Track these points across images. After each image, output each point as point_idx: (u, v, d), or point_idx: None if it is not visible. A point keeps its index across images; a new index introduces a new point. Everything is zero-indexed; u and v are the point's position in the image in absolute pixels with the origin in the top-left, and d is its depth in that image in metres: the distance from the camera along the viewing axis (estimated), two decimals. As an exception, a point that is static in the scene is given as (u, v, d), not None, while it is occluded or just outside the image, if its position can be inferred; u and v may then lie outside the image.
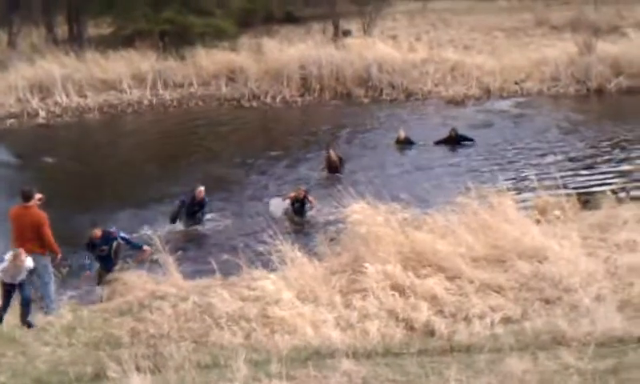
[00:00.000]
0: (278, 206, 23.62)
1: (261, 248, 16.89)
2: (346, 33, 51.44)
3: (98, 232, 17.63)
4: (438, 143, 30.10)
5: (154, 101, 41.28)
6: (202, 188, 22.61)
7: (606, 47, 40.98)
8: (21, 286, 14.34)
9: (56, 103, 40.28)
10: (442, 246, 15.84)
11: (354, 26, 53.26)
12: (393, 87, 40.86)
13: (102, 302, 16.52)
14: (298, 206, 22.97)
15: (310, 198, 23.16)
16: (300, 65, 41.75)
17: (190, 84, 42.41)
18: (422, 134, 31.56)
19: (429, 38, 51.09)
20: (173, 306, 14.53)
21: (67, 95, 40.62)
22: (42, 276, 15.18)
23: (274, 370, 10.19)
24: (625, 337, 11.21)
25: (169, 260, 16.64)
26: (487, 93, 39.92)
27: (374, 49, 43.82)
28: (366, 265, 15.19)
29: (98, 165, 31.29)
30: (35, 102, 40.05)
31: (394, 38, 49.84)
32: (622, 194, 20.75)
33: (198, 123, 37.93)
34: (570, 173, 25.17)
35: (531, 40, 49.26)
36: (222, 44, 46.19)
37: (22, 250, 14.10)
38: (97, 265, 17.93)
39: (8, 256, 14.20)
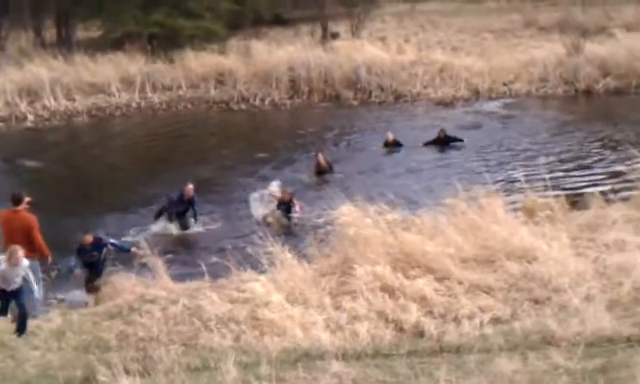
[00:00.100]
0: (258, 207, 23.67)
1: (250, 250, 16.86)
2: (335, 35, 51.50)
3: (89, 238, 17.54)
4: (426, 144, 30.15)
5: (143, 104, 41.22)
6: (190, 186, 22.53)
7: (594, 48, 41.16)
8: (17, 295, 14.21)
9: (44, 107, 40.16)
10: (431, 246, 15.84)
11: (342, 27, 53.36)
12: (382, 89, 40.91)
13: (86, 306, 16.47)
14: (284, 209, 22.90)
15: (296, 201, 23.10)
16: (289, 67, 41.77)
17: (179, 87, 42.34)
18: (411, 136, 31.60)
19: (417, 39, 51.16)
20: (162, 309, 14.51)
21: (55, 99, 40.50)
22: (30, 280, 15.12)
23: (264, 372, 10.19)
24: (614, 336, 11.24)
25: (158, 263, 16.61)
26: (476, 94, 40.03)
27: (362, 51, 43.90)
28: (355, 266, 15.19)
29: (86, 168, 31.28)
30: (23, 106, 39.94)
31: (382, 39, 49.88)
32: (611, 195, 20.73)
33: (187, 126, 37.90)
34: (558, 173, 25.21)
35: (519, 41, 49.43)
36: (211, 47, 46.16)
37: (17, 247, 13.98)
38: (84, 269, 17.82)
39: (3, 257, 14.08)
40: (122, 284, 16.67)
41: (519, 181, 21.35)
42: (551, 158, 27.63)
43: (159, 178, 27.72)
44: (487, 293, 14.45)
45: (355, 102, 40.26)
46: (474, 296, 14.34)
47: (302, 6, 59.29)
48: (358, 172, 27.40)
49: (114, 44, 46.58)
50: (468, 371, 10.07)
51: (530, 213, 18.41)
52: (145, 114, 40.48)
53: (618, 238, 16.33)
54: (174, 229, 22.37)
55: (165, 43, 45.26)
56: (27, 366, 12.09)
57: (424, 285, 14.67)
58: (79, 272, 17.38)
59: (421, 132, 32.42)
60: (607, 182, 23.99)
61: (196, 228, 22.57)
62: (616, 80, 39.23)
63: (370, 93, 40.85)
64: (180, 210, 22.53)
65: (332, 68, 41.36)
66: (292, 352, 11.97)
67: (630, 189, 21.22)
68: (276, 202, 23.29)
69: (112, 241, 17.93)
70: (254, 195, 25.03)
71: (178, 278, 16.90)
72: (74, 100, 40.85)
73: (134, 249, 17.72)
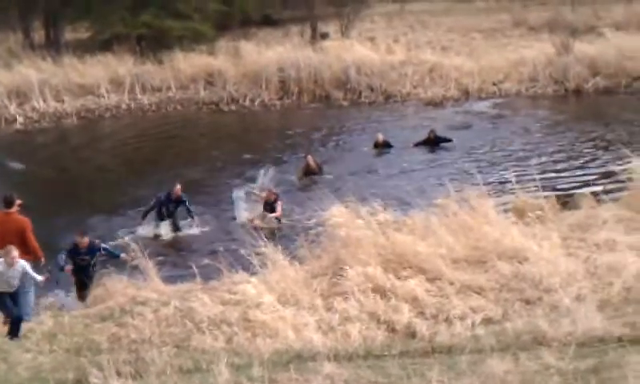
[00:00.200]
0: (242, 209, 23.70)
1: (241, 251, 16.86)
2: (324, 35, 51.52)
3: (85, 241, 17.29)
4: (417, 145, 30.17)
5: (132, 105, 41.15)
6: (179, 186, 22.58)
7: (583, 47, 41.28)
8: (15, 298, 14.16)
9: (33, 109, 40.05)
10: (422, 247, 15.86)
11: (331, 28, 53.38)
12: (371, 89, 40.92)
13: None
14: (269, 209, 22.86)
15: (280, 202, 23.09)
16: (278, 68, 41.75)
17: (168, 88, 42.26)
18: (402, 136, 31.62)
19: (407, 39, 51.21)
20: (154, 311, 14.49)
21: (45, 100, 40.40)
22: (23, 283, 15.05)
23: (256, 373, 10.18)
24: (605, 336, 11.25)
25: (149, 265, 16.57)
26: (466, 94, 40.08)
27: (352, 51, 43.91)
28: (347, 267, 15.20)
29: (76, 170, 31.20)
30: (13, 108, 39.81)
31: (372, 39, 49.87)
32: (602, 195, 20.77)
33: (177, 127, 37.89)
34: (549, 173, 25.27)
35: (509, 41, 49.52)
36: (200, 47, 46.12)
37: (12, 247, 13.93)
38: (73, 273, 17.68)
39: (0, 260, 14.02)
40: (113, 286, 16.61)
41: (510, 181, 21.37)
42: (542, 158, 27.68)
43: (149, 179, 27.67)
44: (479, 293, 14.48)
45: (345, 103, 40.26)
46: (465, 296, 14.36)
47: (291, 7, 59.29)
48: (349, 173, 27.40)
49: (102, 45, 46.44)
50: (460, 372, 10.07)
51: (520, 213, 18.42)
52: (134, 115, 40.42)
53: (609, 237, 16.37)
54: (163, 229, 22.37)
55: (153, 44, 45.24)
56: (19, 368, 12.03)
57: (415, 285, 14.69)
58: (69, 268, 17.16)
59: (411, 132, 32.46)
60: (598, 181, 24.07)
61: (187, 230, 22.56)
62: (605, 79, 39.36)
63: (360, 93, 40.85)
64: (170, 208, 22.53)
65: (322, 68, 41.36)
66: (284, 353, 11.96)
67: (620, 189, 21.31)
68: (262, 203, 23.27)
69: (104, 246, 17.81)
70: (239, 194, 25.05)
71: (170, 280, 16.89)
72: (63, 101, 40.75)
73: (123, 255, 17.60)
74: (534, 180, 20.77)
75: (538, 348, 11.02)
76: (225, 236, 21.86)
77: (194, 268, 16.31)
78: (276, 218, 22.68)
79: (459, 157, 28.55)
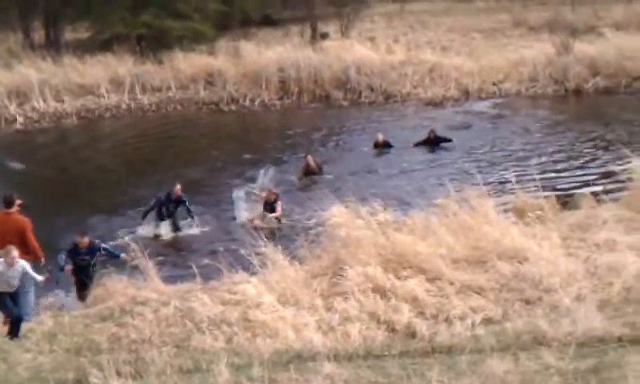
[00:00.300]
0: (242, 209, 23.70)
1: (241, 251, 16.86)
2: (324, 35, 51.52)
3: (85, 241, 17.23)
4: (417, 145, 30.16)
5: (132, 105, 41.16)
6: (179, 186, 22.60)
7: (583, 47, 41.29)
8: (16, 298, 14.15)
9: (33, 109, 40.05)
10: (422, 247, 15.86)
11: (331, 28, 53.38)
12: (372, 89, 40.93)
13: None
14: (269, 209, 22.85)
15: (280, 202, 23.09)
16: (278, 68, 41.75)
17: (168, 88, 42.26)
18: (402, 136, 31.63)
19: (407, 39, 51.20)
20: (154, 310, 14.49)
21: (45, 100, 40.40)
22: (23, 283, 15.04)
23: (256, 373, 10.18)
24: (605, 336, 11.25)
25: (149, 265, 16.57)
26: (466, 94, 40.09)
27: (352, 51, 43.92)
28: (347, 267, 15.20)
29: (76, 170, 31.21)
30: (13, 108, 39.81)
31: (371, 39, 49.86)
32: (602, 194, 20.76)
33: (177, 127, 37.90)
34: (549, 173, 25.28)
35: (509, 41, 49.52)
36: (200, 47, 46.12)
37: (12, 246, 13.92)
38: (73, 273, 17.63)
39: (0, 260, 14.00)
40: (113, 286, 16.60)
41: (510, 181, 21.37)
42: (542, 158, 27.68)
43: (149, 179, 27.68)
44: (478, 293, 14.48)
45: (345, 103, 40.27)
46: (465, 296, 14.36)
47: (291, 7, 59.28)
48: (349, 173, 27.39)
49: (102, 45, 46.45)
50: (460, 372, 10.08)
51: (520, 213, 18.41)
52: (134, 115, 40.43)
53: (609, 237, 16.37)
54: (163, 229, 22.37)
55: (153, 44, 45.24)
56: (19, 368, 12.03)
57: (415, 285, 14.69)
58: (69, 268, 17.12)
59: (411, 132, 32.47)
60: (598, 182, 24.08)
61: (187, 230, 22.56)
62: (605, 79, 39.38)
63: (360, 93, 40.86)
64: (170, 208, 22.55)
65: (322, 68, 41.36)
66: (284, 353, 11.96)
67: (620, 189, 21.31)
68: (262, 203, 23.27)
69: (104, 246, 17.77)
70: (239, 194, 25.05)
71: (170, 280, 16.90)
72: (63, 101, 40.75)
73: (123, 255, 17.57)
74: (534, 180, 20.77)
75: (538, 348, 11.02)
76: (225, 236, 21.87)
77: (194, 268, 16.30)
78: (276, 217, 22.68)
79: (459, 157, 28.55)
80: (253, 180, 26.84)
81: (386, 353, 11.67)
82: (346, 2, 53.11)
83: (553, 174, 25.32)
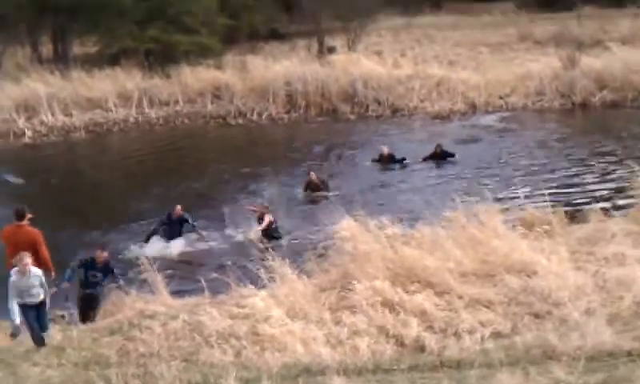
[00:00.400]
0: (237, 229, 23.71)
1: (249, 265, 16.87)
2: (331, 49, 51.57)
3: (103, 255, 17.06)
4: (424, 159, 30.11)
5: (140, 119, 41.27)
6: (179, 206, 22.78)
7: (590, 61, 41.29)
8: (39, 308, 14.14)
9: (42, 122, 40.17)
10: (430, 261, 15.82)
11: (338, 42, 53.39)
12: (379, 103, 40.96)
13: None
14: (260, 222, 22.91)
15: (267, 216, 22.95)
16: (285, 81, 41.83)
17: (176, 102, 42.38)
18: (409, 150, 31.60)
19: (414, 53, 51.23)
20: (162, 324, 14.47)
21: (53, 114, 40.51)
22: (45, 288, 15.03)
23: (265, 387, 10.19)
24: (615, 351, 11.24)
25: (157, 279, 16.56)
26: (473, 108, 40.08)
27: (359, 65, 43.96)
28: (355, 282, 15.18)
29: (84, 184, 31.26)
30: (21, 122, 39.94)
31: (378, 53, 49.93)
32: (611, 209, 20.73)
33: (184, 141, 37.96)
34: (557, 187, 25.27)
35: (515, 55, 49.49)
36: (207, 61, 46.22)
37: (25, 253, 13.91)
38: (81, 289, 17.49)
39: (14, 270, 13.99)
40: (121, 300, 16.64)
41: (518, 195, 21.39)
42: (550, 172, 27.66)
43: (156, 193, 27.74)
44: (487, 307, 14.44)
45: (352, 116, 40.31)
46: (474, 310, 14.32)
47: (298, 21, 59.26)
48: (356, 186, 27.33)
49: (110, 59, 46.65)
50: (469, 386, 10.08)
51: (529, 227, 18.35)
52: (142, 129, 40.52)
53: (618, 251, 16.32)
54: (173, 249, 22.31)
55: (161, 58, 45.34)
56: (28, 382, 12.07)
57: (424, 299, 14.66)
58: (68, 285, 16.85)
59: (418, 146, 32.45)
60: (606, 195, 24.04)
61: (195, 245, 22.57)
62: (612, 93, 39.35)
63: (367, 107, 40.90)
64: (174, 228, 22.58)
65: (329, 82, 41.43)
66: (293, 367, 11.97)
67: (630, 203, 21.25)
68: (257, 217, 23.25)
69: (117, 271, 17.55)
70: (232, 210, 24.97)
71: (178, 293, 16.92)
72: (71, 115, 40.87)
73: (121, 282, 17.36)
74: (543, 194, 20.77)
75: (548, 362, 11.01)
76: (232, 250, 21.88)
77: (203, 282, 16.25)
78: (262, 230, 22.61)
79: (467, 170, 28.54)
80: (258, 193, 26.88)
81: (394, 367, 11.68)
82: (352, 16, 53.09)
83: (561, 188, 25.29)
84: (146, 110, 41.69)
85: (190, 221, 22.71)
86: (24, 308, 13.95)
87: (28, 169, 33.33)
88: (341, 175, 29.40)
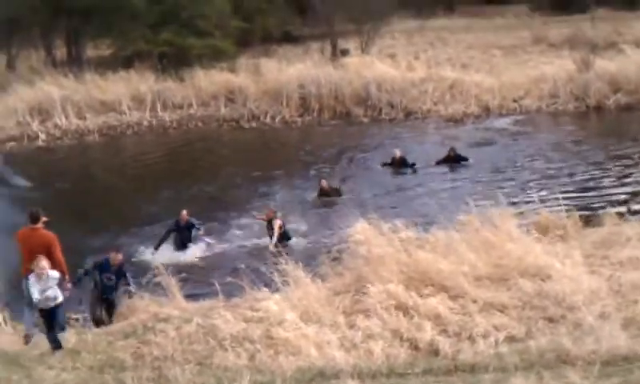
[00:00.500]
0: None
1: (263, 269, 16.84)
2: (345, 52, 51.61)
3: (118, 258, 17.14)
4: (438, 163, 30.07)
5: (154, 122, 41.39)
6: (184, 211, 22.72)
7: (604, 64, 41.15)
8: (53, 312, 14.17)
9: (56, 125, 40.36)
10: (444, 264, 15.77)
11: (352, 44, 53.44)
12: (392, 106, 40.96)
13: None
14: (270, 228, 22.71)
15: (277, 220, 22.75)
16: (299, 84, 41.90)
17: (190, 105, 42.50)
18: (422, 153, 31.60)
19: (427, 56, 51.19)
20: (176, 328, 14.48)
21: (67, 117, 40.70)
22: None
23: (279, 391, 10.19)
24: (630, 355, 11.19)
25: (171, 282, 16.60)
26: (486, 111, 40.04)
27: (372, 68, 43.99)
28: (369, 285, 15.16)
29: (97, 187, 31.36)
30: (35, 125, 40.14)
31: (392, 56, 49.94)
32: (626, 212, 20.66)
33: (198, 144, 38.03)
34: (572, 191, 25.21)
35: (529, 57, 49.38)
36: (221, 64, 46.29)
37: (41, 256, 13.95)
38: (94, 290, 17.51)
39: (30, 275, 14.02)
40: (135, 303, 16.68)
41: (533, 198, 21.33)
42: (564, 175, 27.61)
43: (168, 197, 27.77)
44: (501, 311, 14.39)
45: (365, 119, 40.34)
46: (488, 314, 14.27)
47: (312, 24, 59.30)
48: (368, 190, 27.40)
49: (124, 62, 46.83)
50: (484, 390, 10.07)
51: (543, 230, 18.31)
52: (156, 132, 40.66)
53: (633, 255, 16.27)
54: (187, 256, 22.29)
55: (175, 61, 45.43)
56: (43, 386, 12.10)
57: (438, 303, 14.61)
58: (69, 286, 16.68)
59: (431, 149, 32.44)
60: (622, 199, 23.96)
61: (206, 249, 22.59)
62: (626, 96, 39.21)
63: (381, 110, 40.92)
64: (183, 234, 22.59)
65: (342, 85, 41.48)
66: (307, 371, 11.96)
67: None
68: (265, 223, 23.11)
69: (130, 275, 17.55)
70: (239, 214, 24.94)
71: (192, 297, 16.92)
72: (85, 118, 41.05)
73: (133, 288, 17.37)
74: (557, 198, 20.72)
75: (562, 366, 10.98)
76: (246, 253, 21.91)
77: (216, 285, 16.23)
78: (276, 238, 22.46)
79: (481, 174, 28.51)
80: (271, 197, 26.91)
81: (409, 371, 11.67)
82: (366, 19, 53.08)
83: (576, 192, 25.23)
84: (160, 113, 41.82)
85: (197, 225, 22.70)
86: (41, 311, 14.01)
87: (41, 172, 33.43)
88: (354, 179, 29.41)
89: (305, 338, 13.71)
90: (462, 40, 57.28)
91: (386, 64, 45.72)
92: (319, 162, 32.15)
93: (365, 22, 53.12)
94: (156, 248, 22.31)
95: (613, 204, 23.19)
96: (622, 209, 21.44)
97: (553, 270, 15.39)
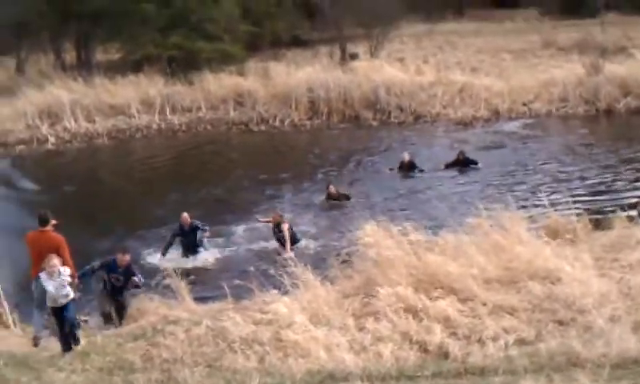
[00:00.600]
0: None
1: (272, 271, 16.82)
2: (354, 56, 51.62)
3: (125, 259, 17.08)
4: (447, 166, 30.04)
5: (163, 125, 41.45)
6: (185, 214, 22.58)
7: (614, 68, 41.06)
8: (65, 307, 14.16)
9: (65, 129, 40.44)
10: (454, 267, 15.73)
11: (360, 48, 53.42)
12: (401, 110, 40.94)
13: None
14: (277, 231, 22.57)
15: (285, 224, 22.59)
16: (308, 88, 41.88)
17: (199, 108, 42.55)
18: (432, 156, 31.60)
19: (436, 60, 51.11)
20: (186, 330, 14.47)
21: (76, 121, 40.78)
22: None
23: (289, 393, 10.18)
24: (640, 358, 11.17)
25: (181, 285, 16.60)
26: (496, 114, 39.98)
27: (381, 71, 44.00)
28: (378, 288, 15.13)
29: (106, 190, 31.40)
30: (44, 128, 40.22)
31: (401, 60, 49.85)
32: (636, 216, 20.60)
33: (207, 147, 38.07)
34: (582, 194, 25.19)
35: (539, 61, 49.26)
36: (230, 68, 46.34)
37: (52, 255, 13.97)
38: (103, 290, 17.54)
39: (41, 274, 14.04)
40: (145, 305, 16.69)
41: (542, 202, 21.26)
42: (573, 178, 27.58)
43: (177, 200, 27.71)
44: (511, 314, 14.35)
45: (374, 123, 40.32)
46: (497, 317, 14.23)
47: (321, 28, 59.32)
48: (377, 193, 27.41)
49: (133, 66, 46.90)
50: (494, 393, 10.04)
51: (553, 233, 18.27)
52: (165, 135, 40.72)
53: (643, 258, 16.24)
54: (200, 261, 22.25)
55: (184, 65, 45.49)
56: (52, 387, 12.11)
57: (447, 306, 14.58)
58: (77, 281, 16.58)
59: (440, 153, 32.42)
60: (632, 202, 23.87)
61: (218, 251, 22.57)
62: (636, 99, 39.11)
63: (390, 113, 40.88)
64: (189, 240, 22.54)
65: (351, 89, 41.47)
66: (316, 373, 11.94)
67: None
68: (272, 227, 22.96)
69: (139, 276, 17.50)
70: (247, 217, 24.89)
71: (201, 299, 16.96)
72: (94, 122, 41.11)
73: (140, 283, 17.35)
74: (567, 201, 20.67)
75: (572, 369, 10.94)
76: (255, 256, 21.93)
77: (226, 287, 16.23)
78: (289, 242, 22.23)
79: (490, 177, 28.49)
80: (280, 200, 26.91)
81: (418, 373, 11.64)
82: (375, 22, 53.08)
83: (587, 196, 25.20)
84: (169, 117, 41.87)
85: (200, 227, 22.62)
86: (54, 309, 14.04)
87: (50, 175, 33.50)
88: (363, 182, 29.40)
89: (314, 341, 13.68)
90: (471, 44, 57.17)
91: (395, 68, 45.69)
92: (328, 166, 32.15)
93: (374, 26, 53.12)
94: (163, 254, 22.24)
95: (623, 207, 23.11)
96: (632, 212, 21.29)
97: (563, 272, 15.34)
